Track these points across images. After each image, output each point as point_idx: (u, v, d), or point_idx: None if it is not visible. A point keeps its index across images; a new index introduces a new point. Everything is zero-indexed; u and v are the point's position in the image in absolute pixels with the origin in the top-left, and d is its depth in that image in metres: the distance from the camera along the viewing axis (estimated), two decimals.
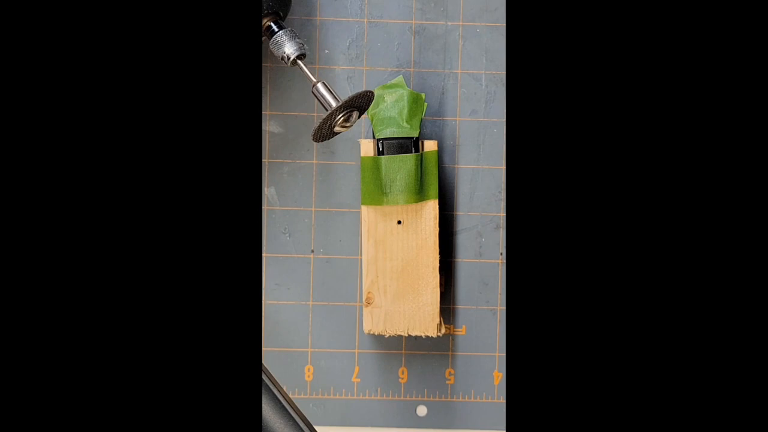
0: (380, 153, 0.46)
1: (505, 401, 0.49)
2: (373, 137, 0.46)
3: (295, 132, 0.48)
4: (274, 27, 0.41)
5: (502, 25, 0.48)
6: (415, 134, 0.46)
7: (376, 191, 0.46)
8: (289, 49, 0.40)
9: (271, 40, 0.41)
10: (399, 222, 0.46)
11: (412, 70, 0.48)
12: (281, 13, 0.41)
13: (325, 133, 0.39)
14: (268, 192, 0.49)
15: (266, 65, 0.48)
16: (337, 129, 0.40)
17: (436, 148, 0.46)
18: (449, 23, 0.48)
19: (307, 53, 0.41)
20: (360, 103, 0.39)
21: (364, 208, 0.46)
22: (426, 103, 0.46)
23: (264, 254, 0.49)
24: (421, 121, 0.46)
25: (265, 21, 0.41)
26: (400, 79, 0.46)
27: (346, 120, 0.39)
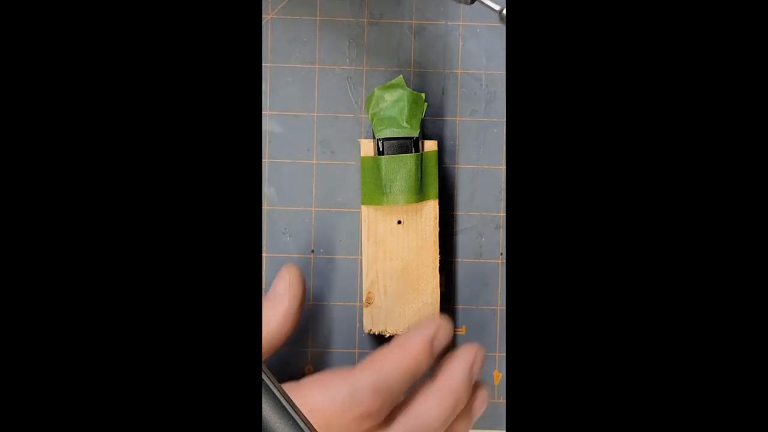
0: (380, 153, 0.45)
1: (505, 401, 0.49)
2: (373, 137, 0.46)
3: (295, 132, 0.48)
4: None
5: (502, 25, 0.48)
6: (415, 134, 0.46)
7: (376, 191, 0.46)
8: None
9: None
10: (399, 222, 0.46)
11: (412, 70, 0.48)
12: None
13: None
14: (268, 192, 0.49)
15: (266, 65, 0.48)
16: None
17: (436, 148, 0.46)
18: (449, 23, 0.48)
19: None
20: None
21: (364, 208, 0.46)
22: (426, 103, 0.46)
23: (264, 254, 0.49)
24: (421, 121, 0.46)
25: None
26: (400, 79, 0.46)
27: None
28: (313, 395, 0.39)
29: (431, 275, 0.46)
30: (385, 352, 0.41)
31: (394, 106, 0.46)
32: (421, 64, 0.48)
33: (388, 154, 0.45)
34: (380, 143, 0.45)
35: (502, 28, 0.48)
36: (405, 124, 0.45)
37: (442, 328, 0.41)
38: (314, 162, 0.49)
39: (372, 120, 0.46)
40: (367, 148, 0.46)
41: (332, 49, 0.48)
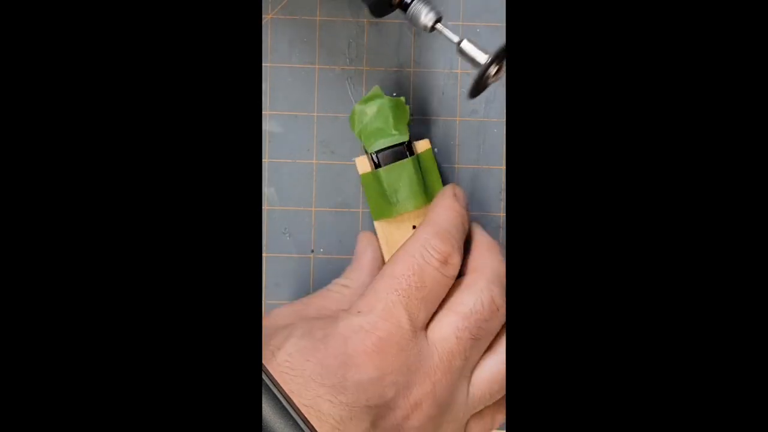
0: (377, 166, 0.45)
1: (505, 401, 0.49)
2: (366, 152, 0.46)
3: (295, 132, 0.48)
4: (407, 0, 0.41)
5: (502, 25, 0.48)
6: (405, 138, 0.45)
7: (383, 204, 0.45)
8: (425, 18, 0.40)
9: (407, 13, 0.40)
10: (414, 227, 0.46)
11: (411, 70, 0.48)
12: None
13: (480, 88, 0.40)
14: (268, 192, 0.49)
15: (266, 65, 0.48)
16: (490, 81, 0.39)
17: (429, 145, 0.46)
18: (449, 23, 0.48)
19: (443, 15, 0.41)
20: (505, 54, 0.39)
21: (377, 224, 0.46)
22: (408, 106, 0.46)
23: (264, 254, 0.49)
24: (408, 125, 0.46)
25: None
26: (376, 89, 0.45)
27: (498, 72, 0.39)
28: (399, 264, 0.42)
29: None
30: (429, 214, 0.45)
31: (378, 117, 0.45)
32: (421, 64, 0.48)
33: (384, 165, 0.45)
34: (374, 156, 0.45)
35: (502, 28, 0.48)
36: (393, 131, 0.45)
37: (455, 186, 0.45)
38: (314, 162, 0.49)
39: (360, 137, 0.46)
40: (364, 165, 0.46)
41: (332, 49, 0.48)
